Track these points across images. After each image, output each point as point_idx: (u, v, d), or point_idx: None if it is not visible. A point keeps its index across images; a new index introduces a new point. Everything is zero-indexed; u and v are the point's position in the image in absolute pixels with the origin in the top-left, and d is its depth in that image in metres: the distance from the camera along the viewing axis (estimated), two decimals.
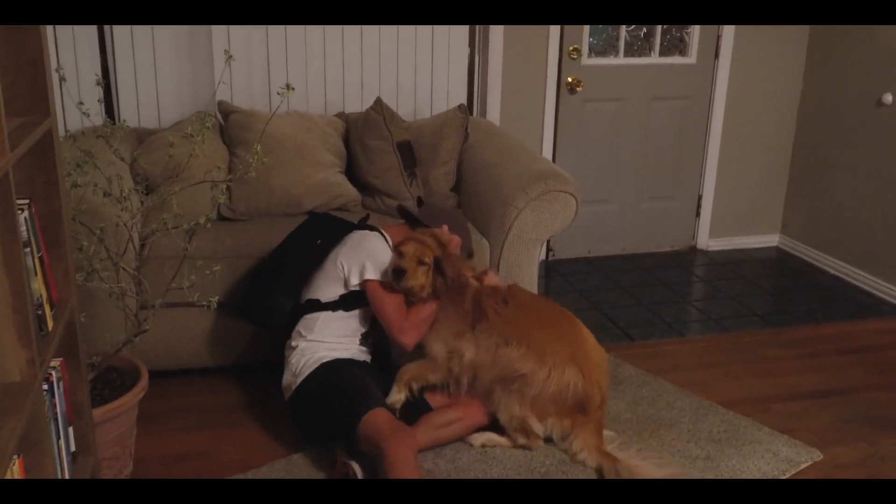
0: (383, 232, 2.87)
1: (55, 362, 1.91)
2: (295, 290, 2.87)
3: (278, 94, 2.61)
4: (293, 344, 2.79)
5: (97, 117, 2.87)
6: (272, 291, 2.87)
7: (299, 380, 2.70)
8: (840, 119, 4.48)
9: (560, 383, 2.64)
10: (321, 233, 2.91)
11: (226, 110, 3.65)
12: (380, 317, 2.73)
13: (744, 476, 2.67)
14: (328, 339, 2.78)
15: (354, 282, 2.73)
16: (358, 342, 2.85)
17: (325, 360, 2.71)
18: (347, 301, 2.78)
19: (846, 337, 3.75)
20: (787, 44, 4.61)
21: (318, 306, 2.78)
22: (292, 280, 2.87)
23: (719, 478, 2.66)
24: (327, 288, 2.78)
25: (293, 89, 2.66)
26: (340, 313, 2.78)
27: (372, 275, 2.71)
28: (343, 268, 2.75)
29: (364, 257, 2.73)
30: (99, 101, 2.96)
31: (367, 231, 2.85)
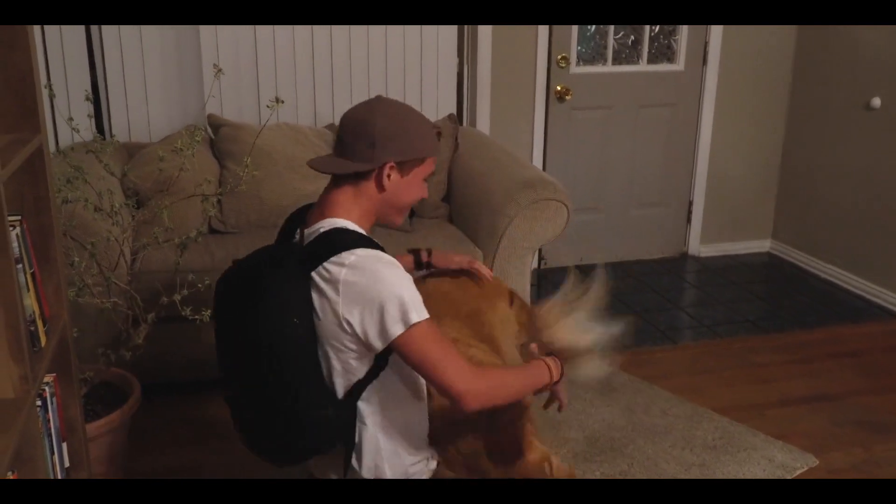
0: (357, 230, 1.86)
1: (48, 378, 1.90)
2: (323, 392, 1.86)
3: (268, 106, 2.61)
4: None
5: (87, 132, 2.87)
6: (303, 419, 1.85)
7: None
8: (829, 123, 4.50)
9: None
10: (273, 301, 1.77)
11: (215, 123, 3.65)
12: (430, 376, 1.77)
13: None
14: (398, 428, 1.93)
15: (381, 345, 1.75)
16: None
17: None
18: (379, 364, 1.85)
19: (839, 341, 3.77)
20: (774, 49, 4.64)
21: (359, 390, 1.85)
22: (309, 380, 1.85)
23: None
24: (348, 360, 1.82)
25: (283, 102, 2.66)
26: (387, 374, 1.86)
27: (416, 316, 1.73)
28: (353, 324, 1.74)
29: (385, 300, 1.72)
30: (89, 116, 2.96)
31: (344, 256, 1.75)
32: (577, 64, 4.47)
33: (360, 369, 1.82)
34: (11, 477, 1.53)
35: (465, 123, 4.31)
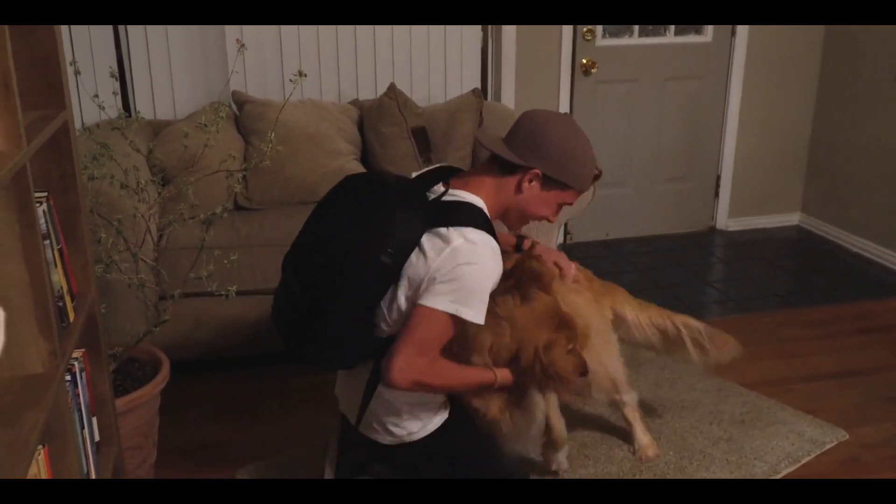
0: (485, 212, 1.94)
1: (77, 353, 1.92)
2: (366, 321, 1.97)
3: (290, 80, 2.60)
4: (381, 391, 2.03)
5: (112, 110, 2.88)
6: (341, 330, 1.94)
7: (420, 435, 2.09)
8: (859, 95, 4.42)
9: None
10: (384, 226, 1.86)
11: (240, 100, 3.65)
12: (398, 340, 1.88)
13: (768, 457, 2.65)
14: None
15: (426, 300, 1.85)
16: None
17: (438, 426, 2.09)
18: None
19: (868, 316, 3.72)
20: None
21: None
22: (363, 311, 1.94)
23: (743, 459, 2.65)
24: (403, 313, 1.92)
25: (305, 76, 2.65)
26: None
27: (447, 305, 1.84)
28: (424, 281, 1.85)
29: (460, 283, 1.83)
30: (114, 93, 2.97)
31: (467, 231, 1.85)
32: (603, 36, 4.41)
33: (398, 325, 1.93)
34: (42, 451, 1.55)
35: (489, 98, 4.28)
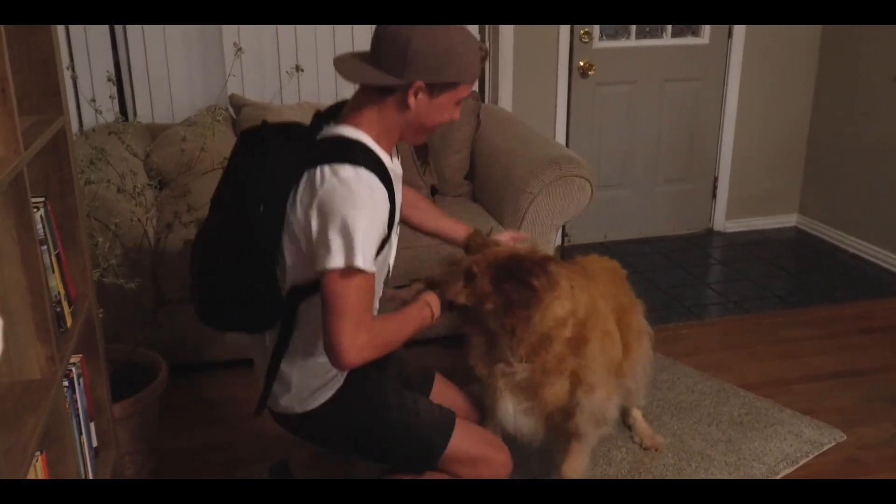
0: (369, 147, 1.81)
1: (75, 358, 1.92)
2: (267, 276, 1.87)
3: (287, 72, 2.58)
4: (290, 351, 1.95)
5: (110, 114, 2.88)
6: (240, 287, 1.88)
7: (311, 406, 1.99)
8: (857, 96, 4.42)
9: None
10: (260, 175, 1.80)
11: (238, 103, 3.65)
12: (326, 322, 1.74)
13: (767, 458, 2.65)
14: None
15: (321, 266, 1.72)
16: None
17: (342, 387, 1.99)
18: None
19: (867, 316, 3.72)
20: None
21: (300, 294, 1.87)
22: (258, 262, 1.86)
23: (741, 460, 2.65)
24: (299, 263, 1.83)
25: (303, 70, 2.62)
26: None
27: (339, 260, 1.70)
28: (310, 235, 1.75)
29: (342, 230, 1.70)
30: (111, 97, 2.96)
31: (345, 169, 1.73)
32: (601, 38, 4.41)
33: (300, 277, 1.83)
34: (40, 457, 1.55)
35: (487, 100, 4.28)
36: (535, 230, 3.30)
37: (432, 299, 1.98)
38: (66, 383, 1.79)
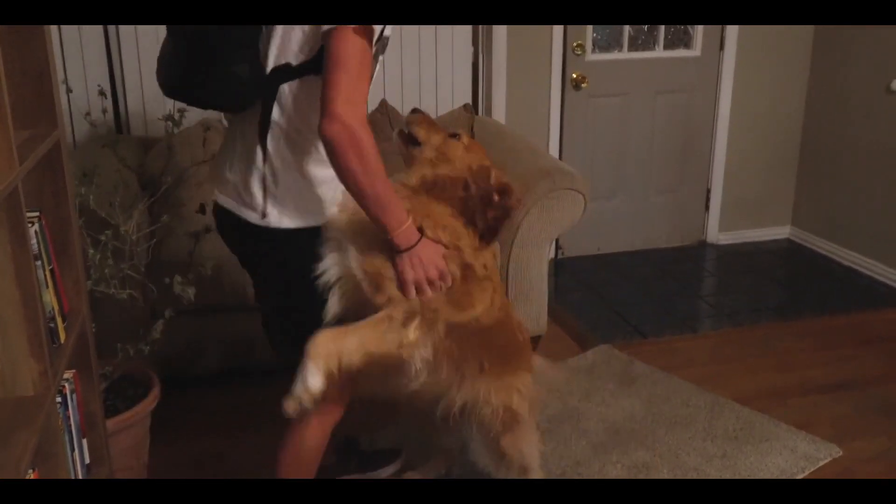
0: None
1: (68, 374, 1.90)
2: (250, 51, 1.82)
3: None
4: (272, 146, 1.85)
5: (103, 127, 2.86)
6: (216, 58, 1.78)
7: (284, 225, 1.88)
8: (849, 107, 4.44)
9: None
10: None
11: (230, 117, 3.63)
12: (328, 78, 1.67)
13: (762, 474, 2.65)
14: (314, 148, 1.84)
15: (324, 27, 1.68)
16: None
17: (305, 225, 1.89)
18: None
19: (861, 327, 3.73)
20: (792, 32, 4.58)
21: (289, 73, 1.80)
22: (243, 33, 1.80)
23: (737, 477, 2.64)
24: (295, 38, 1.77)
25: None
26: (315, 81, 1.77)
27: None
28: None
29: None
30: (104, 111, 2.95)
31: None
32: (593, 51, 4.42)
33: (297, 55, 1.77)
34: (32, 475, 1.53)
35: (480, 113, 4.28)
36: (529, 243, 3.30)
37: (412, 227, 1.82)
38: (58, 399, 1.77)
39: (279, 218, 1.87)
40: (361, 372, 1.84)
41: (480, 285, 1.96)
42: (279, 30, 1.78)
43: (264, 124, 1.84)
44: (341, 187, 1.80)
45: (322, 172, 1.86)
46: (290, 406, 1.78)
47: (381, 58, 1.87)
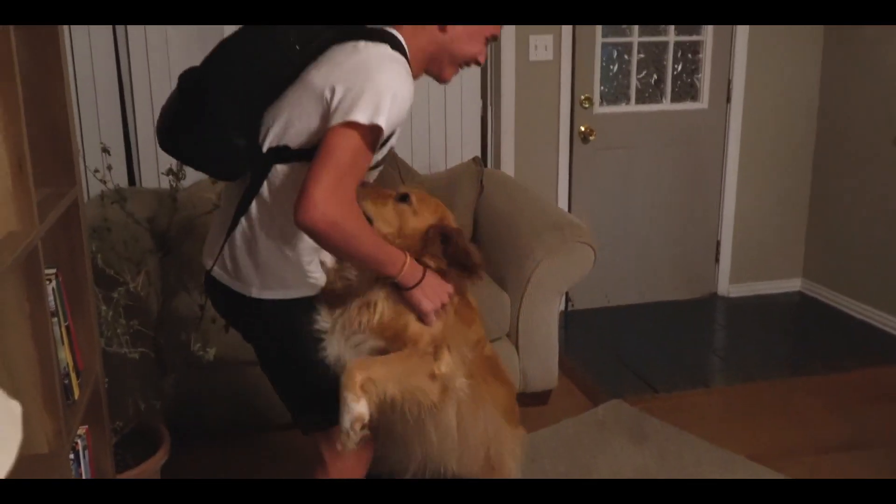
0: (404, 46, 1.85)
1: (81, 430, 1.89)
2: (251, 124, 1.83)
3: None
4: (254, 219, 1.86)
5: (120, 178, 2.89)
6: (216, 124, 1.79)
7: (269, 296, 1.89)
8: (857, 159, 4.46)
9: None
10: (299, 34, 1.80)
11: None
12: (313, 169, 1.66)
13: None
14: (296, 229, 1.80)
15: (338, 119, 1.69)
16: None
17: (304, 295, 1.91)
18: None
19: (875, 384, 3.69)
20: (799, 85, 4.62)
21: (286, 155, 1.81)
22: (249, 106, 1.82)
23: None
24: (303, 125, 1.78)
25: None
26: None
27: (362, 116, 1.67)
28: (333, 96, 1.71)
29: (361, 88, 1.68)
30: (109, 167, 2.98)
31: (379, 46, 1.78)
32: (601, 104, 4.47)
33: (298, 140, 1.78)
34: None
35: (489, 165, 4.32)
36: (539, 296, 3.29)
37: (413, 265, 1.86)
38: (71, 456, 1.76)
39: (260, 290, 1.88)
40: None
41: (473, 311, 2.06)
42: (285, 112, 1.79)
43: (249, 197, 1.85)
44: (325, 254, 1.86)
45: (304, 249, 1.87)
46: (345, 442, 1.76)
47: (379, 169, 1.93)
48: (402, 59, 1.79)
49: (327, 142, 1.67)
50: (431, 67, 1.93)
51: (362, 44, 1.76)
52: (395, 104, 1.69)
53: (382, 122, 1.67)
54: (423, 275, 1.84)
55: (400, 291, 1.84)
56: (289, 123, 1.78)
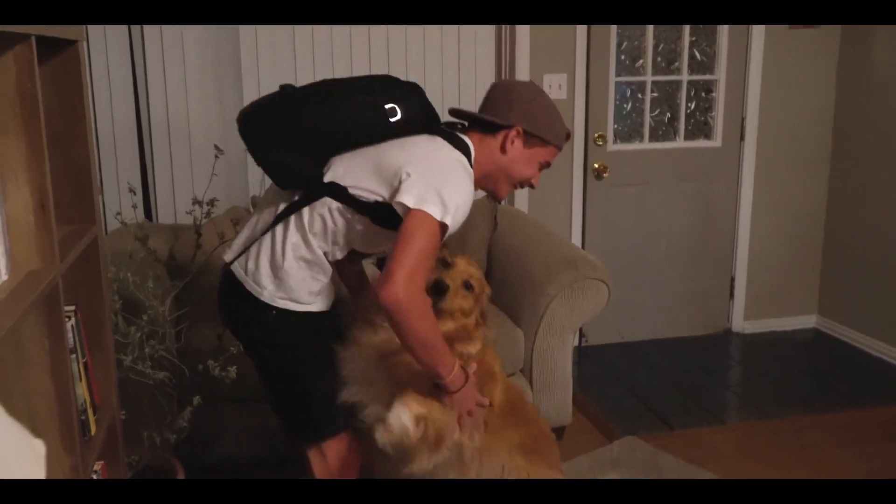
0: (471, 159, 2.05)
1: (97, 466, 1.90)
2: (323, 154, 2.01)
3: None
4: (289, 232, 2.01)
5: (133, 222, 2.93)
6: (296, 135, 1.96)
7: (279, 304, 2.05)
8: (872, 194, 4.45)
9: None
10: (403, 104, 1.99)
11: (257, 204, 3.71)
12: (398, 252, 1.82)
13: None
14: (319, 258, 2.03)
15: (402, 200, 1.86)
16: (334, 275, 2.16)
17: (310, 310, 2.07)
18: (377, 211, 1.95)
19: (893, 422, 3.65)
20: (812, 121, 4.63)
21: (341, 195, 1.97)
22: (329, 140, 1.99)
23: None
24: (365, 180, 1.94)
25: None
26: (360, 219, 1.98)
27: (436, 212, 1.84)
28: (403, 178, 1.88)
29: (439, 186, 1.86)
30: (133, 206, 3.03)
31: (455, 152, 1.99)
32: (615, 142, 4.50)
33: (356, 187, 1.95)
34: None
35: (504, 202, 4.33)
36: (554, 332, 3.30)
37: (461, 373, 2.02)
38: None
39: (272, 296, 2.03)
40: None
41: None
42: (356, 164, 1.97)
43: (292, 211, 2.00)
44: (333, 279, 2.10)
45: (320, 273, 2.05)
46: (382, 435, 1.93)
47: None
48: (472, 173, 2.01)
49: (407, 225, 1.85)
50: (487, 184, 2.13)
51: (447, 147, 2.00)
52: (458, 213, 1.89)
53: (449, 221, 1.86)
54: (465, 383, 2.00)
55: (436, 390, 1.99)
56: (354, 173, 1.96)
